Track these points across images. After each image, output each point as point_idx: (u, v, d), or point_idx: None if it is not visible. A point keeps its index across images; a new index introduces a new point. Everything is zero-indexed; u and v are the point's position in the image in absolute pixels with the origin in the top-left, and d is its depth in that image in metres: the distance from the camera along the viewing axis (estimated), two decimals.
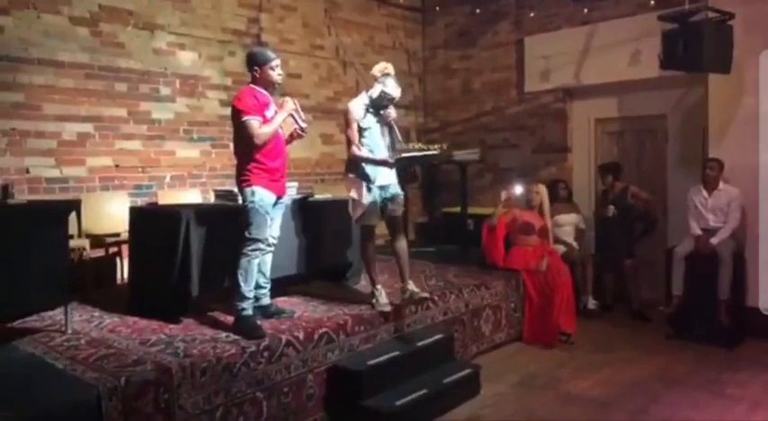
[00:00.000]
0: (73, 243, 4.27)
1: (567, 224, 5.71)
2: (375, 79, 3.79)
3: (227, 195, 4.04)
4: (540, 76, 6.56)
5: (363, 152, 3.79)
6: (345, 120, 3.83)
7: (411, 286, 3.85)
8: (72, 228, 4.27)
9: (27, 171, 4.63)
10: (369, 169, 3.80)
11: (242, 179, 3.39)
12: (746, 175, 4.81)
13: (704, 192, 4.93)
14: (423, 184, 7.57)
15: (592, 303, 5.48)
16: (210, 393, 2.89)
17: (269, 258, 3.62)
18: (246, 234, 3.38)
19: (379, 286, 3.98)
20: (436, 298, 4.26)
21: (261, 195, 3.37)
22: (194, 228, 3.59)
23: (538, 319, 4.88)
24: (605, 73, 5.97)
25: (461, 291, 4.51)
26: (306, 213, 4.29)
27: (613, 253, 5.58)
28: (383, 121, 3.85)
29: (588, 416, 3.53)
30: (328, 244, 4.43)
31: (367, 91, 3.88)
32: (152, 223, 3.92)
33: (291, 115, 3.48)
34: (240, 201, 3.49)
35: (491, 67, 7.10)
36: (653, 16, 4.98)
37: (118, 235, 4.74)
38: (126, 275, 4.56)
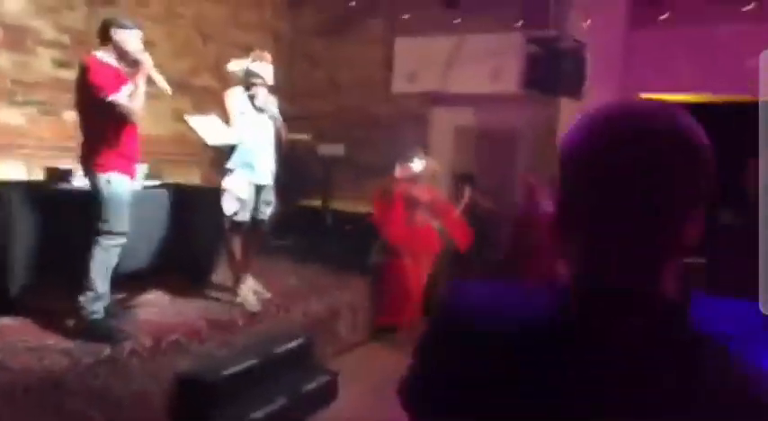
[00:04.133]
0: None
1: None
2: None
3: (64, 175, 3.48)
4: (407, 78, 6.63)
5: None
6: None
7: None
8: None
9: None
10: (250, 159, 3.68)
11: (93, 163, 2.91)
12: None
13: None
14: (279, 176, 7.29)
15: None
16: (36, 417, 2.45)
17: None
18: (103, 227, 2.92)
19: (243, 285, 3.80)
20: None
21: (118, 183, 2.93)
22: (18, 212, 3.05)
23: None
24: (469, 83, 6.20)
25: (321, 293, 4.39)
26: (161, 201, 3.86)
27: None
28: (258, 108, 3.79)
29: None
30: (187, 236, 4.04)
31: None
32: None
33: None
34: (88, 187, 3.00)
35: (360, 62, 7.02)
36: (518, 36, 5.25)
37: None
38: None
